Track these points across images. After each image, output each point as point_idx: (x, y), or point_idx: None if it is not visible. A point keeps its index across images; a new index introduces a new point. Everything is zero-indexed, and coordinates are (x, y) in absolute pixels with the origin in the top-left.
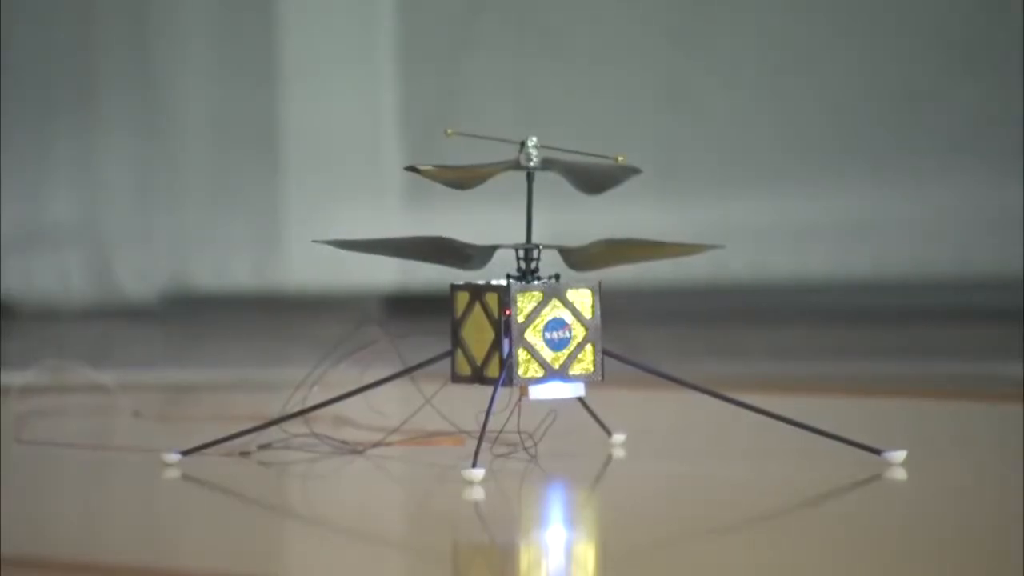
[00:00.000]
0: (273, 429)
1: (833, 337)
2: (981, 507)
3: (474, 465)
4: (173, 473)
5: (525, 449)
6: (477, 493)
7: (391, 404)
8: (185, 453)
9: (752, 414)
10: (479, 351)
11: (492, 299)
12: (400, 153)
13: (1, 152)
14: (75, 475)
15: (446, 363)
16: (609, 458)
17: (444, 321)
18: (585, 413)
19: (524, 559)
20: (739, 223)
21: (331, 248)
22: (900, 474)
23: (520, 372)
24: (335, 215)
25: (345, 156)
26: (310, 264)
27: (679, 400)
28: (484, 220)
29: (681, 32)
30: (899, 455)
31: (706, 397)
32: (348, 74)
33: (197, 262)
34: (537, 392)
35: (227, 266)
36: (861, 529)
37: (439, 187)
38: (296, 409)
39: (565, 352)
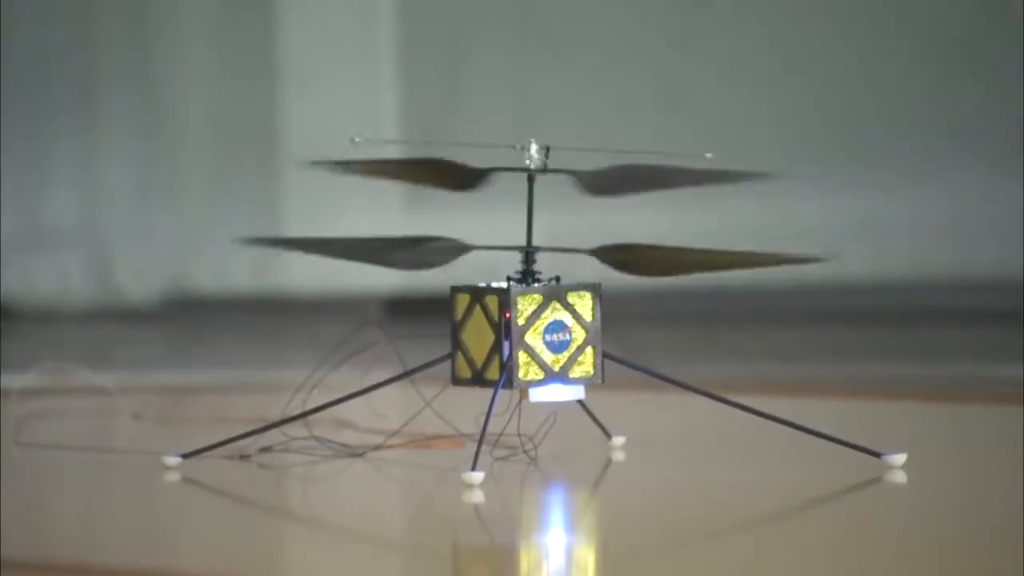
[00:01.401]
0: (273, 432)
1: (833, 339)
2: (981, 510)
3: (474, 468)
4: (173, 476)
5: (525, 452)
6: (477, 496)
7: (391, 407)
8: (185, 456)
9: (752, 417)
10: (479, 353)
11: (492, 301)
12: (400, 154)
13: (1, 152)
14: (75, 478)
15: (446, 366)
16: (609, 461)
17: (444, 323)
18: (585, 416)
19: (524, 561)
20: (739, 223)
21: None
22: (900, 477)
23: (520, 375)
24: (335, 216)
25: (345, 156)
26: (310, 266)
27: (679, 403)
28: (484, 222)
29: (681, 32)
30: (899, 458)
31: (706, 400)
32: (348, 74)
33: (197, 263)
34: (537, 395)
35: (227, 267)
36: (861, 532)
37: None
38: (296, 412)
39: (565, 355)
